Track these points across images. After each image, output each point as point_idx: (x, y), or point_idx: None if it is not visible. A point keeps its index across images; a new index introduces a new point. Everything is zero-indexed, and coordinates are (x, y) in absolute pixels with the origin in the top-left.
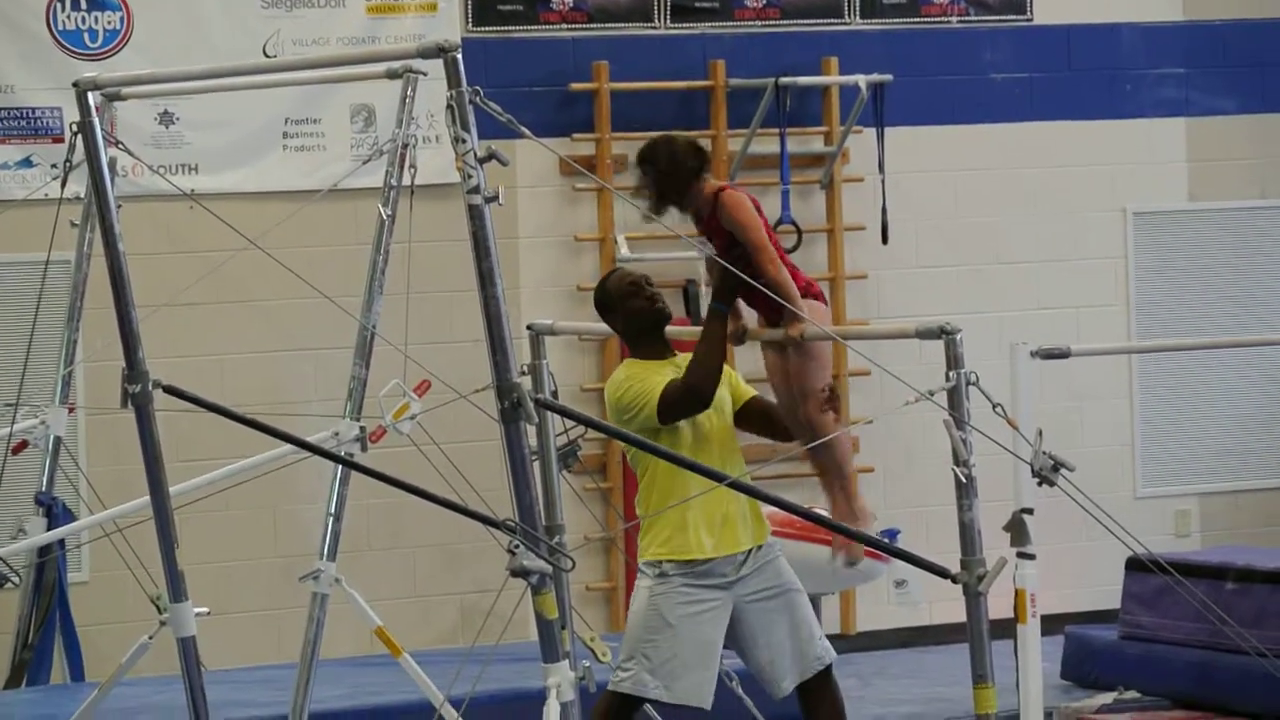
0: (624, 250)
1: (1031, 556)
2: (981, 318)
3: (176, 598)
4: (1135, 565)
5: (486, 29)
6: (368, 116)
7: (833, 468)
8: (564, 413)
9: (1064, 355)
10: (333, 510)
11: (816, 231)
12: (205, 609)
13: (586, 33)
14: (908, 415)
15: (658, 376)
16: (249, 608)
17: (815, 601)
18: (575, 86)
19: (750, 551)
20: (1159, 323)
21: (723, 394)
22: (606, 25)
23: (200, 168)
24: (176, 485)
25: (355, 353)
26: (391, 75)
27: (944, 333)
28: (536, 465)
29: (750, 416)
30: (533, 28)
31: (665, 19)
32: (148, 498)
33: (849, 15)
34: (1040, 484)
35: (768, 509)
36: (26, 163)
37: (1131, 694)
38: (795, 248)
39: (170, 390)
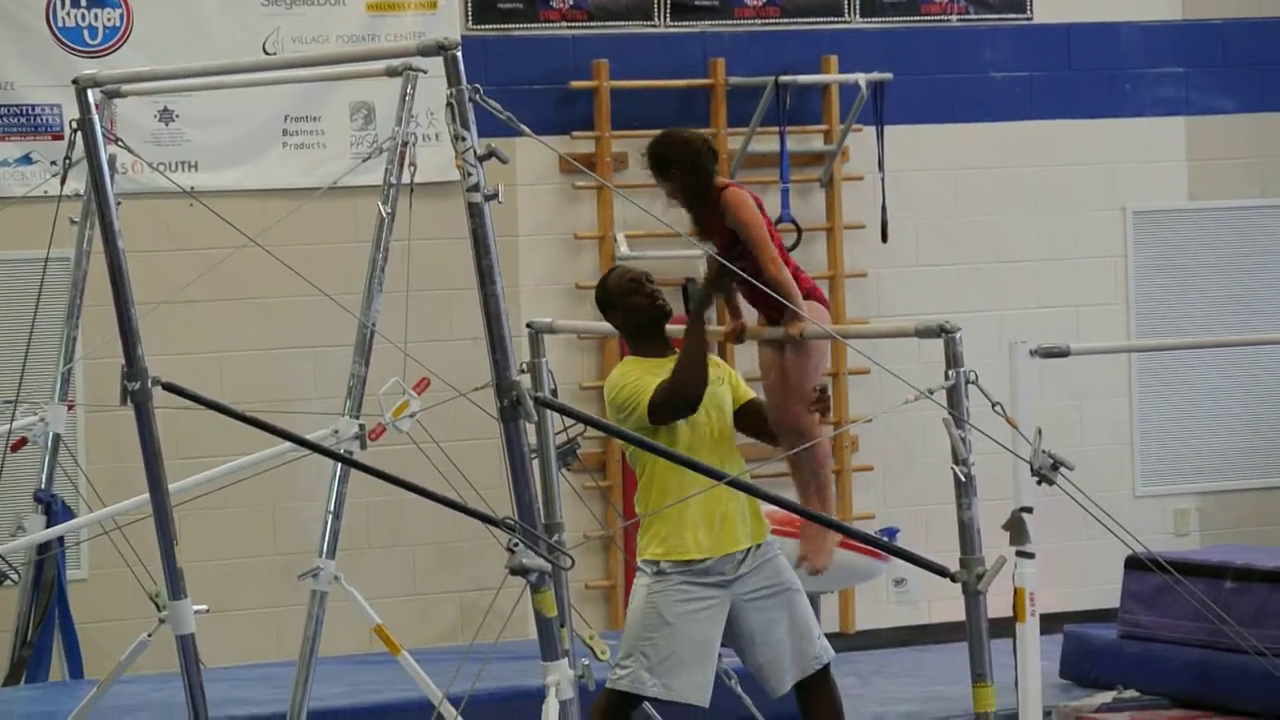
0: (623, 248)
1: (1031, 555)
2: (981, 316)
3: (175, 595)
4: (1134, 564)
5: (486, 27)
6: (367, 114)
7: (808, 473)
8: (563, 411)
9: (1063, 354)
10: (332, 508)
11: (816, 230)
12: (204, 606)
13: (586, 31)
14: (907, 414)
15: (652, 377)
16: (248, 605)
17: (814, 600)
18: (575, 84)
19: (749, 550)
20: (1159, 322)
21: (723, 393)
22: (606, 23)
23: (200, 165)
24: (176, 482)
25: (355, 350)
26: (391, 73)
27: (943, 331)
28: (536, 463)
29: (747, 418)
30: (532, 26)
31: (665, 17)
32: (147, 495)
33: (849, 14)
34: (1039, 483)
35: (767, 508)
36: (26, 160)
37: (1130, 693)
38: (795, 245)
39: (169, 388)
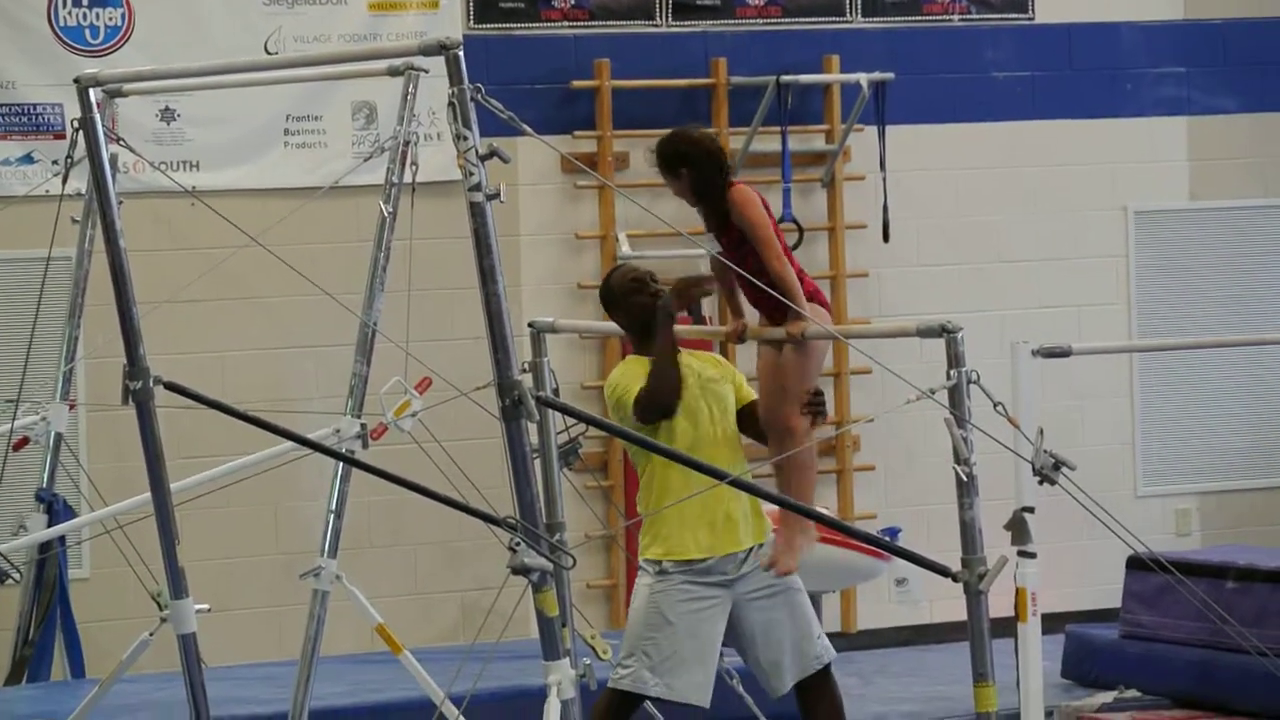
0: (625, 248)
1: (1032, 555)
2: (982, 316)
3: (177, 594)
4: (1136, 564)
5: (488, 26)
6: (369, 114)
7: (792, 474)
8: (565, 410)
9: (1065, 354)
10: (334, 507)
11: (818, 230)
12: (206, 606)
13: (588, 30)
14: (909, 414)
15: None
16: (250, 605)
17: (815, 600)
18: (577, 84)
19: (750, 550)
20: (1160, 321)
21: (726, 393)
22: (608, 23)
23: (201, 164)
24: (177, 482)
25: (356, 350)
26: (393, 72)
27: (945, 331)
28: (537, 463)
29: (747, 419)
30: (534, 25)
31: (667, 17)
32: (148, 494)
33: (850, 13)
34: (1041, 482)
35: (768, 507)
36: (28, 159)
37: (1132, 693)
38: (797, 245)
39: (171, 387)
